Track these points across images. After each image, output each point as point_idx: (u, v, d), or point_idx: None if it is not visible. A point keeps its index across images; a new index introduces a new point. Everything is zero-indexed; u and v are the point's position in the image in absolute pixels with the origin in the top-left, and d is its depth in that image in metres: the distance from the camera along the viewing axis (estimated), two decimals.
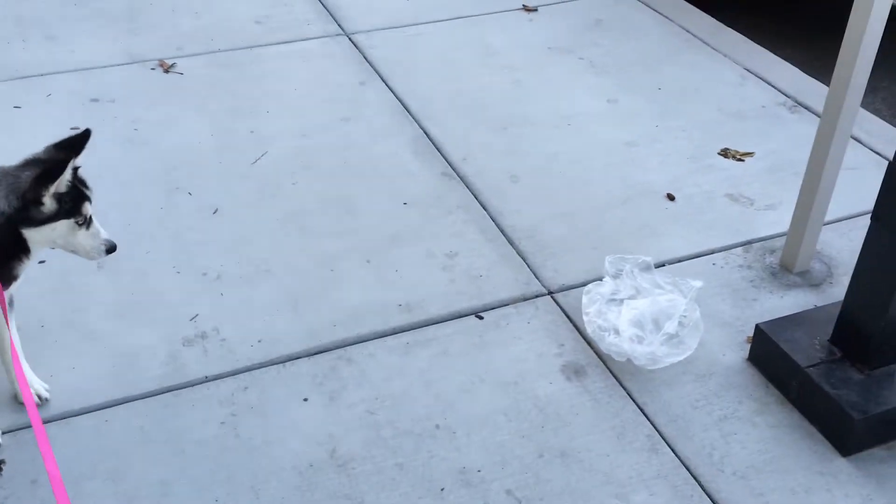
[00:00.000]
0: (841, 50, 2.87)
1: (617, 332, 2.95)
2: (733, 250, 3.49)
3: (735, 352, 3.01)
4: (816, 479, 2.57)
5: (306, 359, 2.97)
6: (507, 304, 3.21)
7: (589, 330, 3.01)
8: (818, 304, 3.17)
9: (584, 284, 3.23)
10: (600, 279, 3.21)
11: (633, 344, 2.90)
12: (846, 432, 2.60)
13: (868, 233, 2.59)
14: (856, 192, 3.61)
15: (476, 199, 3.77)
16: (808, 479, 2.57)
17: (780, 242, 3.48)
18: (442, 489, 2.54)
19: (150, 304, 3.16)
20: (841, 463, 2.62)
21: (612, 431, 2.72)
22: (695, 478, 2.57)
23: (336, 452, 2.65)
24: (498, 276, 3.34)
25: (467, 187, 3.84)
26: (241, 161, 3.96)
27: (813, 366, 2.72)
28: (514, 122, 4.33)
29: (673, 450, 2.65)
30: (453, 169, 3.96)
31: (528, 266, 3.40)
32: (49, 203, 2.30)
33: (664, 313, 2.98)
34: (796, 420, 2.76)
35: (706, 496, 2.52)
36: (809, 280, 3.32)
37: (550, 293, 3.27)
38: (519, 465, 2.61)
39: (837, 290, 3.24)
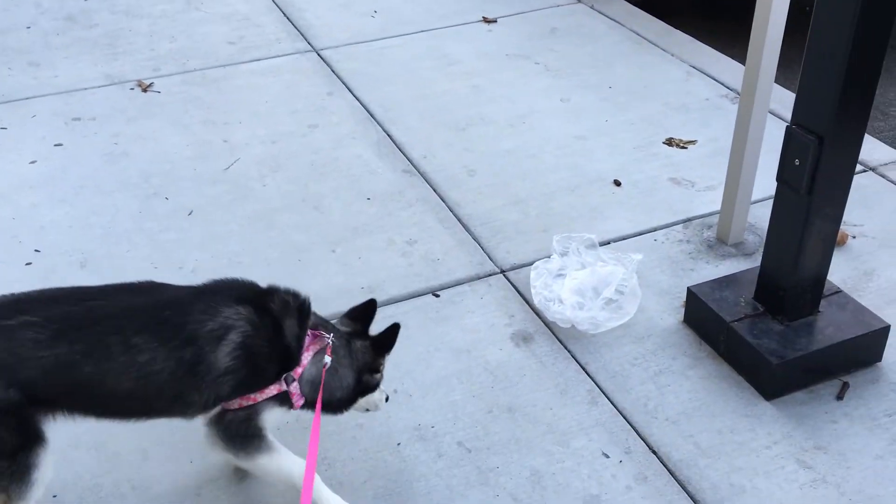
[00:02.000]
0: (750, 39, 3.13)
1: (560, 301, 3.19)
2: (674, 227, 3.75)
3: (672, 316, 3.25)
4: (741, 421, 2.80)
5: None
6: (463, 283, 3.45)
7: (536, 301, 3.25)
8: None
9: (534, 262, 3.48)
10: (549, 257, 3.46)
11: (576, 311, 3.14)
12: (767, 377, 2.84)
13: (776, 195, 2.84)
14: None
15: (435, 191, 4.03)
16: (733, 422, 2.80)
17: (717, 219, 3.73)
18: (398, 444, 2.77)
19: None
20: (765, 406, 2.85)
21: (556, 388, 2.95)
22: (630, 424, 2.80)
23: (301, 416, 2.87)
24: (454, 259, 3.59)
25: (427, 182, 4.09)
26: (215, 168, 4.21)
27: (738, 320, 2.96)
28: (473, 122, 4.59)
29: (611, 401, 2.88)
30: (414, 166, 4.22)
31: (483, 249, 3.65)
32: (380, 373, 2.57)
33: (603, 282, 3.22)
34: (725, 371, 2.99)
35: (640, 439, 2.74)
36: (743, 250, 3.57)
37: (503, 272, 3.51)
38: (469, 421, 2.84)
39: None
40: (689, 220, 3.78)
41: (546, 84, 4.96)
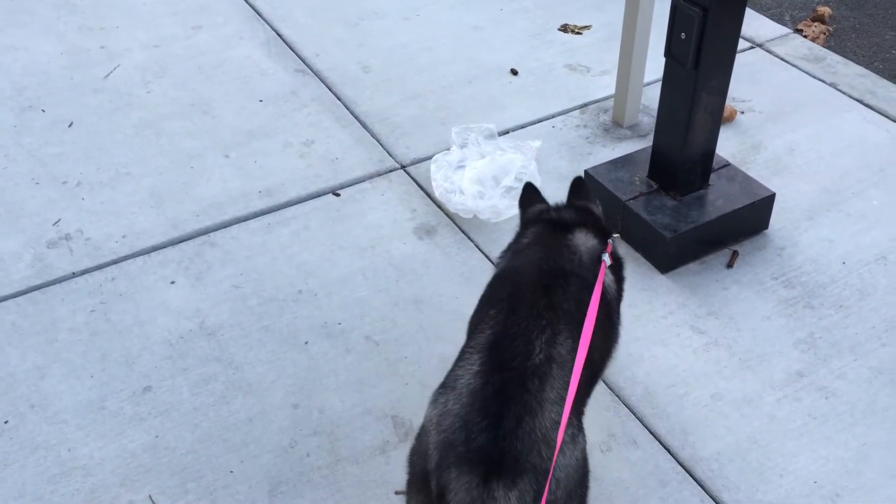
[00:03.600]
0: None
1: (461, 191, 3.19)
2: (571, 113, 3.76)
3: None
4: (639, 295, 2.90)
5: (171, 248, 3.11)
6: (363, 181, 3.41)
7: (437, 194, 3.23)
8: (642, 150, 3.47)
9: (433, 156, 3.45)
10: (448, 150, 3.43)
11: (476, 200, 3.14)
12: (662, 251, 2.92)
13: (664, 71, 2.87)
14: None
15: (330, 90, 3.92)
16: (631, 296, 2.88)
17: (612, 102, 3.76)
18: (306, 342, 2.76)
19: (10, 215, 3.23)
20: (661, 279, 2.95)
21: (461, 278, 2.98)
22: None
23: (205, 324, 2.82)
24: (353, 157, 3.52)
25: (321, 81, 3.97)
26: (94, 76, 3.98)
27: (633, 198, 3.02)
28: (365, 16, 4.45)
29: None
30: (307, 65, 4.08)
31: (382, 145, 3.59)
32: None
33: (503, 170, 3.22)
34: (623, 249, 3.07)
35: None
36: (638, 132, 3.62)
37: (403, 167, 3.48)
38: (377, 315, 2.84)
39: None
40: (585, 105, 3.80)
41: None
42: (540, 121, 3.71)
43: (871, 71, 4.01)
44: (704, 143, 2.92)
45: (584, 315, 1.87)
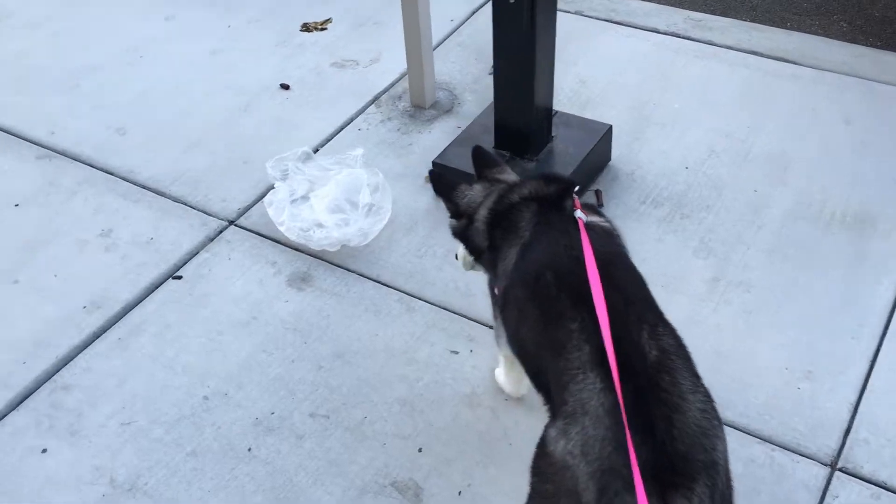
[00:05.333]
0: None
1: (321, 225, 2.92)
2: (367, 110, 3.59)
3: (421, 195, 3.16)
4: None
5: (15, 412, 2.50)
6: (198, 253, 2.98)
7: (292, 237, 2.93)
8: (460, 126, 3.42)
9: (259, 200, 3.12)
10: (272, 188, 3.11)
11: (342, 228, 2.89)
12: None
13: (495, 45, 2.81)
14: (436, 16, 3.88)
15: (93, 167, 3.35)
16: None
17: (402, 87, 3.65)
18: (249, 449, 2.38)
19: None
20: None
21: (367, 313, 2.74)
22: (455, 313, 2.71)
23: (116, 481, 2.32)
24: (169, 231, 3.07)
25: (77, 160, 3.39)
26: None
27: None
28: (81, 74, 3.85)
29: (425, 300, 2.76)
30: (48, 148, 3.45)
31: (193, 207, 3.16)
32: None
33: (352, 189, 3.00)
34: None
35: (474, 322, 2.68)
36: (442, 108, 3.56)
37: (232, 223, 3.10)
38: (307, 388, 2.53)
39: (468, 108, 3.53)
40: (376, 98, 3.64)
41: (138, 6, 4.31)
42: (342, 128, 3.50)
43: None
44: (545, 99, 2.94)
45: (647, 289, 1.82)
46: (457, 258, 2.38)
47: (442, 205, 3.03)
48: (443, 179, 2.27)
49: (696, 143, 3.28)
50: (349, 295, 2.80)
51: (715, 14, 4.13)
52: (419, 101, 3.54)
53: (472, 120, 3.32)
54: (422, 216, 3.07)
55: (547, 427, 1.67)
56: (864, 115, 3.35)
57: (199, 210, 3.14)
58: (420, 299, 2.77)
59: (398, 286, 2.81)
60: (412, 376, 2.53)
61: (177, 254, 2.97)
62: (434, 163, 3.08)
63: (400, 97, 3.63)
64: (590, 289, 1.70)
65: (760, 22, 4.11)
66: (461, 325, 2.67)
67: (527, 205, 1.99)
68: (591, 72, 3.67)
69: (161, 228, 3.07)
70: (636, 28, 3.92)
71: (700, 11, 4.14)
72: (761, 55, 3.68)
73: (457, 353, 2.59)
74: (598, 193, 3.08)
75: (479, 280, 2.80)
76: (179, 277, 2.89)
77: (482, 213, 2.11)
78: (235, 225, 3.08)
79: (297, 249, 2.96)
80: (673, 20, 3.96)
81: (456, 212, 2.20)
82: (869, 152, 3.19)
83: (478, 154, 2.33)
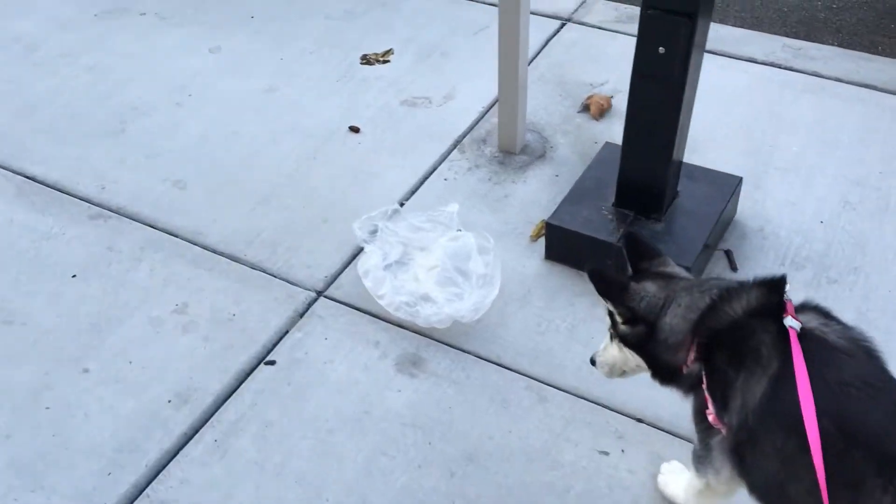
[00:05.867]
0: None
1: (429, 298, 2.60)
2: (450, 156, 3.26)
3: (530, 257, 2.84)
4: None
5: None
6: (289, 332, 2.65)
7: (398, 313, 2.60)
8: (557, 174, 3.12)
9: (347, 266, 2.80)
10: (361, 250, 2.79)
11: (455, 303, 2.58)
12: None
13: (632, 93, 2.50)
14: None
15: (155, 228, 3.01)
16: None
17: (485, 129, 3.34)
18: None
19: None
20: None
21: (494, 404, 2.43)
22: (594, 402, 2.40)
23: None
24: (251, 305, 2.73)
25: (134, 220, 3.04)
26: None
27: (620, 238, 2.67)
28: (127, 117, 3.50)
29: (558, 388, 2.45)
30: (100, 206, 3.10)
31: (275, 276, 2.83)
32: None
33: (461, 256, 2.68)
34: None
35: (619, 414, 2.37)
36: (533, 154, 3.25)
37: (321, 293, 2.77)
38: (441, 496, 2.21)
39: (562, 152, 3.23)
40: (458, 141, 3.32)
41: (177, 37, 3.95)
42: (426, 177, 3.18)
43: None
44: (680, 154, 2.64)
45: None
46: (594, 363, 2.05)
47: (555, 268, 2.75)
48: (606, 277, 1.91)
49: (826, 192, 2.99)
50: (469, 382, 2.48)
51: (799, 37, 3.85)
52: (509, 145, 3.22)
53: (567, 166, 3.02)
54: (533, 282, 2.76)
55: None
56: None
57: (281, 279, 2.81)
58: (552, 386, 2.45)
59: (523, 370, 2.50)
60: (560, 485, 2.23)
61: (265, 333, 2.64)
62: (547, 223, 2.76)
63: (484, 140, 3.31)
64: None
65: (849, 46, 3.84)
66: (605, 419, 2.37)
67: (762, 324, 1.68)
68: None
69: (242, 302, 2.74)
70: (731, 58, 3.62)
71: (783, 35, 3.86)
72: (877, 89, 3.39)
73: (607, 454, 2.29)
74: (728, 255, 2.79)
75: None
76: (273, 363, 2.56)
77: (675, 324, 1.78)
78: (325, 296, 2.75)
79: (399, 326, 2.64)
80: (769, 48, 3.66)
81: (632, 318, 1.86)
82: None
83: (633, 242, 1.98)
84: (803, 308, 1.72)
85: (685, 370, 1.79)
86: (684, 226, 2.68)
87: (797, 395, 1.53)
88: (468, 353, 2.56)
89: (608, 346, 1.96)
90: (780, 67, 3.55)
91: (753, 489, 1.71)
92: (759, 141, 3.21)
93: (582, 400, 2.41)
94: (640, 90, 2.46)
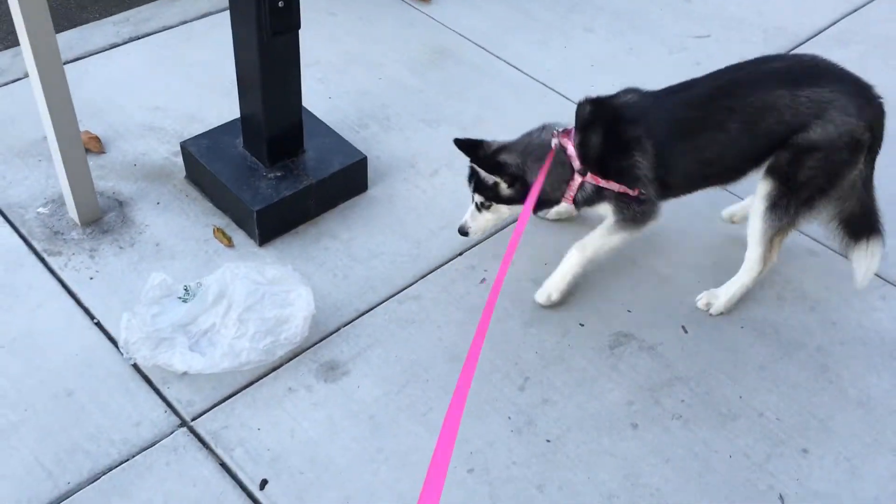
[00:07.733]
0: None
1: (215, 341, 2.83)
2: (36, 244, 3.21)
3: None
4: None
5: None
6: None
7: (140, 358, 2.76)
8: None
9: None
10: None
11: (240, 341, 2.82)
12: (251, 225, 3.22)
13: (235, 39, 3.01)
14: None
15: None
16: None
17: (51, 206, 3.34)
18: None
19: None
20: (259, 250, 3.27)
21: None
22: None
23: None
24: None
25: None
26: None
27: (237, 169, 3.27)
28: None
29: None
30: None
31: None
32: None
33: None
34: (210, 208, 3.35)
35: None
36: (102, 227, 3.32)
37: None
38: None
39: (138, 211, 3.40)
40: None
41: None
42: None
43: None
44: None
45: None
46: (465, 233, 2.72)
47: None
48: (487, 163, 2.59)
49: None
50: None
51: None
52: (88, 215, 3.29)
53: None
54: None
55: None
56: None
57: None
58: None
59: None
60: None
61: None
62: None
63: (56, 215, 3.31)
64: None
65: None
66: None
67: (608, 125, 2.59)
68: None
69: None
70: None
71: None
72: None
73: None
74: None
75: None
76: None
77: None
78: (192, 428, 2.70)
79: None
80: None
81: (512, 181, 2.58)
82: None
83: (462, 143, 2.65)
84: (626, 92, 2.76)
85: (579, 193, 2.64)
86: (278, 185, 3.28)
87: (665, 125, 2.59)
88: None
89: (477, 216, 2.74)
90: None
91: (674, 188, 2.70)
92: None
93: None
94: (263, 49, 2.95)
